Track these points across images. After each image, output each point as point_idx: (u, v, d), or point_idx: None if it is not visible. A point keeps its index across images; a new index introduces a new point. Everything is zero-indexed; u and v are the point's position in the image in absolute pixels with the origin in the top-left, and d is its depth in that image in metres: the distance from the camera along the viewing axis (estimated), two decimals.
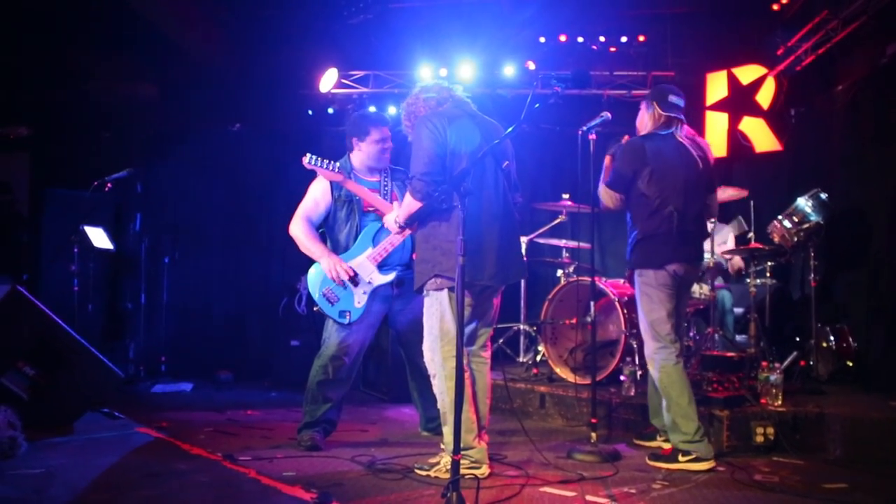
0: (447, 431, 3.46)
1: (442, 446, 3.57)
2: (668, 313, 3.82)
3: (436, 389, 3.53)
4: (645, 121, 3.97)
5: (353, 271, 4.08)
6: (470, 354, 3.66)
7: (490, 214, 3.49)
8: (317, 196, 4.27)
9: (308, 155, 4.03)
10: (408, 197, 3.46)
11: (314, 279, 4.13)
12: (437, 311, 3.48)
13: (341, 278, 4.04)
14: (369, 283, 4.11)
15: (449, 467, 3.26)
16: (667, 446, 3.88)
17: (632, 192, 3.86)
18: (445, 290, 3.44)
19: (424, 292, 3.53)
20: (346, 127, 4.40)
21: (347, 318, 4.08)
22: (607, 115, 3.97)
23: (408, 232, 3.93)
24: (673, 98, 3.92)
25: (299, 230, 4.20)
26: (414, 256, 3.70)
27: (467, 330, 3.63)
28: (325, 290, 4.10)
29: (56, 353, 4.41)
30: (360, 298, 4.10)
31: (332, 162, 4.05)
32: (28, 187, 7.60)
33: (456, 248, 3.21)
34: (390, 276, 4.13)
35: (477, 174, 3.42)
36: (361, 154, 4.26)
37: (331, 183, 4.21)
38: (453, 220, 3.40)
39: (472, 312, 3.58)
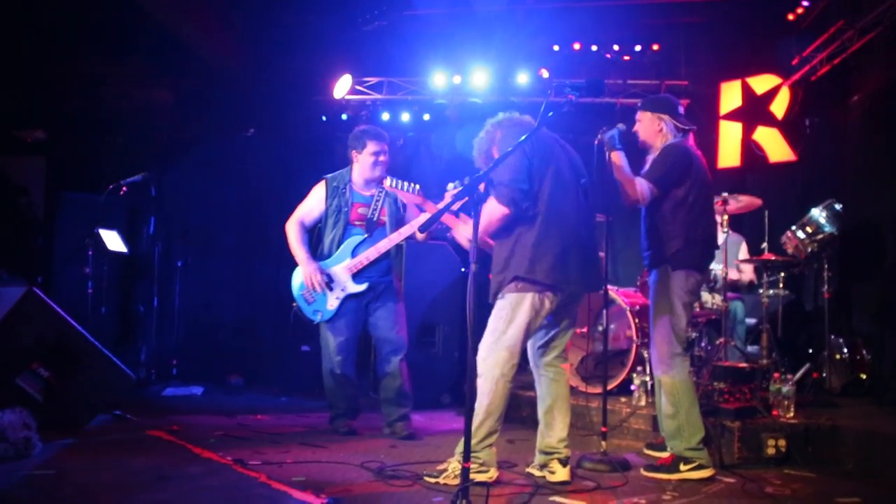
0: (472, 440, 3.42)
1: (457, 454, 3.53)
2: (689, 321, 3.87)
3: (479, 389, 3.47)
4: (665, 131, 3.95)
5: (327, 280, 4.50)
6: (544, 365, 3.70)
7: (574, 224, 3.53)
8: (312, 203, 4.66)
9: (388, 178, 4.11)
10: (491, 203, 3.44)
11: (297, 281, 4.59)
12: (508, 315, 3.46)
13: (315, 285, 4.47)
14: (343, 290, 4.53)
15: (457, 474, 3.27)
16: (662, 455, 3.87)
17: (670, 195, 3.84)
18: (528, 294, 3.43)
19: (500, 296, 3.50)
20: (348, 141, 4.68)
21: (319, 317, 4.56)
22: (622, 126, 3.95)
23: (422, 235, 3.99)
24: (681, 109, 4.01)
25: (292, 231, 4.63)
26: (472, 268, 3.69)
27: (545, 338, 3.68)
28: (304, 291, 4.57)
29: (70, 355, 4.44)
30: (332, 302, 4.54)
31: (412, 184, 4.08)
32: (43, 190, 7.66)
33: (541, 251, 3.34)
34: (362, 287, 4.53)
35: (563, 187, 3.50)
36: (359, 166, 4.60)
37: (326, 193, 4.59)
38: (537, 227, 3.43)
39: (553, 318, 3.59)
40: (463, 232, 3.75)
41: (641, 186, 3.77)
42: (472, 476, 3.19)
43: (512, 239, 3.49)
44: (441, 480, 3.45)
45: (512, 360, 3.45)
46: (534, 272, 3.40)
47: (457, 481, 3.29)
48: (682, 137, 3.95)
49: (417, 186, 4.10)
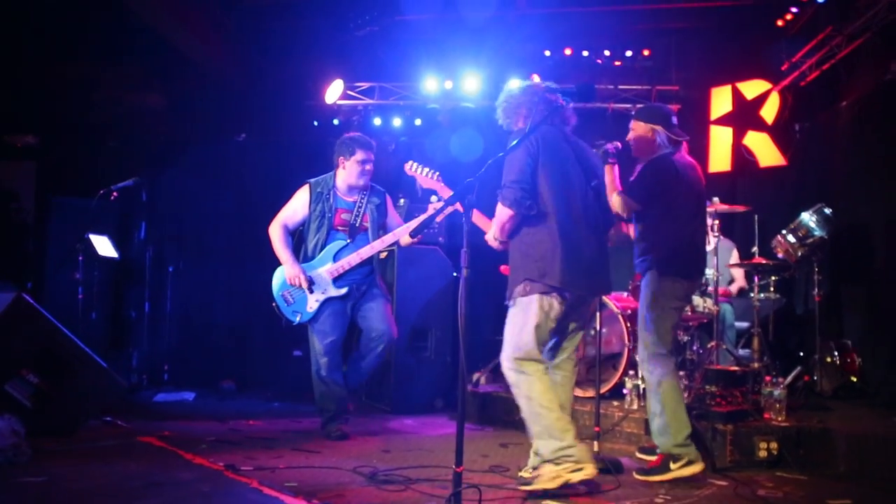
0: (543, 445, 3.39)
1: (535, 454, 3.50)
2: (676, 325, 3.89)
3: (517, 400, 3.49)
4: (658, 142, 3.96)
5: (309, 282, 4.57)
6: (554, 367, 3.67)
7: (582, 225, 3.53)
8: (296, 207, 4.74)
9: (410, 162, 4.27)
10: (498, 207, 3.48)
11: (277, 282, 4.67)
12: (520, 321, 3.45)
13: (299, 284, 4.56)
14: (323, 293, 4.62)
15: (552, 476, 3.31)
16: (653, 459, 3.88)
17: (656, 205, 3.86)
18: (535, 295, 3.42)
19: (511, 302, 3.51)
20: (335, 147, 4.78)
21: (298, 318, 4.63)
22: (618, 144, 3.92)
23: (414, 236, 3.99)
24: (675, 119, 4.02)
25: (275, 233, 4.69)
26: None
27: (554, 338, 3.66)
28: (285, 292, 4.64)
29: (60, 361, 4.41)
30: (312, 305, 4.62)
31: (432, 171, 4.19)
32: (34, 195, 7.63)
33: (547, 252, 3.31)
34: (342, 291, 4.62)
35: (569, 188, 3.50)
36: (345, 172, 4.70)
37: (310, 198, 4.68)
38: (542, 227, 3.43)
39: (562, 321, 3.57)
40: (487, 237, 3.74)
41: (618, 201, 3.83)
42: (567, 476, 3.29)
43: (518, 239, 3.51)
44: (534, 486, 3.39)
45: (533, 361, 3.43)
46: (539, 274, 3.41)
47: (552, 483, 3.31)
48: (673, 149, 3.97)
49: (437, 173, 4.20)
